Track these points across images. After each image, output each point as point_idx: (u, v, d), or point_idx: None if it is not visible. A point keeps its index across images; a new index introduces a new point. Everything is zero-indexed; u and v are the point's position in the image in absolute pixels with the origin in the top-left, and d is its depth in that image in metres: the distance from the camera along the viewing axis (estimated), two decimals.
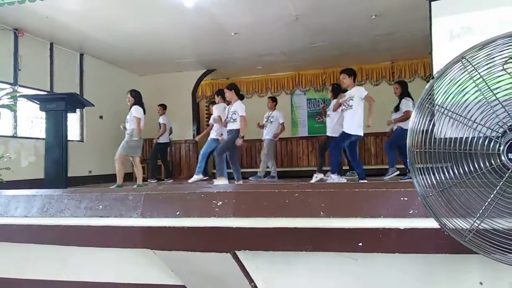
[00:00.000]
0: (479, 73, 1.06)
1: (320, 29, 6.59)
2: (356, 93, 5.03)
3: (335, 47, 7.47)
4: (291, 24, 6.26)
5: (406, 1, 5.47)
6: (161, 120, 7.83)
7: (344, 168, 6.55)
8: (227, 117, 5.60)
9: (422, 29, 5.77)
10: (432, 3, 5.01)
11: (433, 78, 1.14)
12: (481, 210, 1.05)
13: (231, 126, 5.49)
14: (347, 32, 6.74)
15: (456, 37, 4.81)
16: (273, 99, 7.37)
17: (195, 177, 6.17)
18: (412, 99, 5.71)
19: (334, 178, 5.15)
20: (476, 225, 1.04)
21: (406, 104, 5.59)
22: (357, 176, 5.35)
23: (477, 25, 4.66)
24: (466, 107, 1.08)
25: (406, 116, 5.48)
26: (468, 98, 1.08)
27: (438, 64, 5.07)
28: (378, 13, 5.96)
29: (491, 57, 1.06)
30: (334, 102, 6.49)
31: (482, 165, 1.06)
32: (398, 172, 5.52)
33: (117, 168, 5.58)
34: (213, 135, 6.33)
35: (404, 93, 5.76)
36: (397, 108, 5.74)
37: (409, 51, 7.87)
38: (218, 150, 5.49)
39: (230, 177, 5.75)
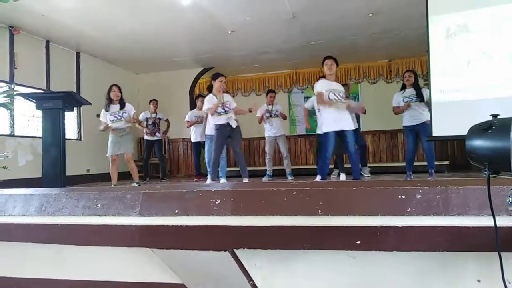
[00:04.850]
0: None
1: (317, 27, 6.59)
2: (342, 91, 4.97)
3: (332, 45, 7.47)
4: (288, 22, 6.26)
5: None
6: (162, 116, 7.64)
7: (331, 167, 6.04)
8: (224, 109, 5.23)
9: (418, 27, 5.78)
10: (429, 0, 5.02)
11: None
12: None
13: (231, 116, 5.27)
14: (344, 30, 6.75)
15: (453, 35, 4.82)
16: (274, 92, 7.11)
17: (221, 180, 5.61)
18: None
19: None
20: None
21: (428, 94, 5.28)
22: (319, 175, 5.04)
23: (473, 23, 4.67)
24: None
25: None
26: None
27: (435, 62, 5.08)
28: (374, 11, 5.97)
29: None
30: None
31: None
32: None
33: (132, 166, 5.75)
34: (208, 131, 5.77)
35: (416, 82, 5.46)
36: (420, 97, 5.24)
37: (406, 49, 7.89)
38: (239, 147, 5.34)
39: (234, 176, 5.65)
